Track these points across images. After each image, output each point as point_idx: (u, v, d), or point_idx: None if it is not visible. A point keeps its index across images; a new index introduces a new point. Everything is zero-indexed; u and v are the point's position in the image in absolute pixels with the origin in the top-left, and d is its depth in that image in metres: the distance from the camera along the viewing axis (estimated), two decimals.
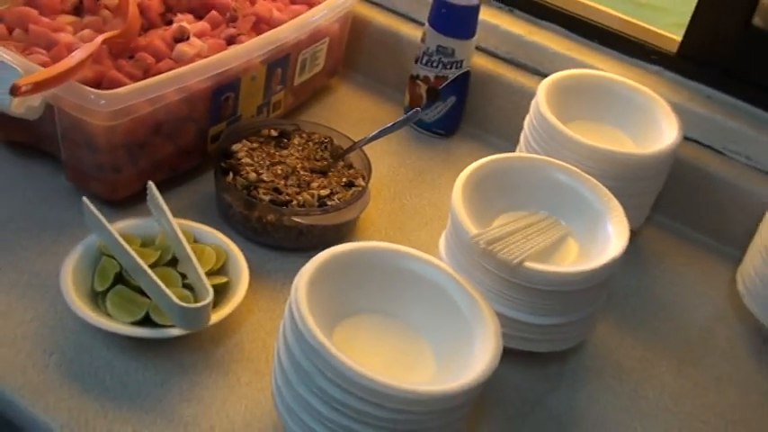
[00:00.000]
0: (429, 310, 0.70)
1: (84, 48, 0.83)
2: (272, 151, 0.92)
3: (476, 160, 0.83)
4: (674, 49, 1.06)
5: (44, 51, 0.86)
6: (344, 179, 0.91)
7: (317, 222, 0.86)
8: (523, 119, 0.97)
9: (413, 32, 1.11)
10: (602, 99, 0.98)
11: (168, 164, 0.90)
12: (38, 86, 0.77)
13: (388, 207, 0.97)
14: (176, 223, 0.79)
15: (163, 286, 0.72)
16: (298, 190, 0.87)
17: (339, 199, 0.88)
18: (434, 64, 1.04)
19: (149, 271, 0.73)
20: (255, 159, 0.90)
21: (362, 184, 0.90)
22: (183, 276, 0.77)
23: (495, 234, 0.75)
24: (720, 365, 0.88)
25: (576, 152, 0.89)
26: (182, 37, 0.91)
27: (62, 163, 0.88)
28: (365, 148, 0.93)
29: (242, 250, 0.81)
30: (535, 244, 0.77)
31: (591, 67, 1.04)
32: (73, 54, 0.82)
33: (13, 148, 0.92)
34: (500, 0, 1.13)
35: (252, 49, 0.91)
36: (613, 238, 0.78)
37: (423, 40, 1.05)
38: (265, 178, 0.87)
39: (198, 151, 0.93)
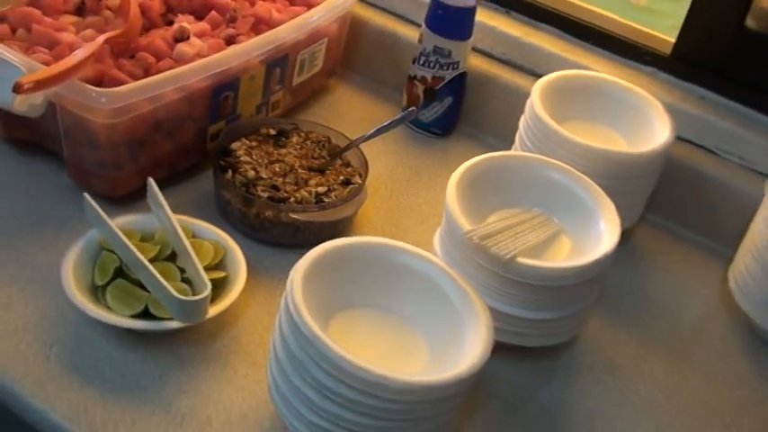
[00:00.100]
0: (422, 304, 0.71)
1: (85, 47, 0.84)
2: (271, 150, 0.93)
3: None
4: (668, 50, 1.07)
5: (47, 50, 0.87)
6: (342, 177, 0.92)
7: (314, 219, 0.87)
8: (519, 119, 0.98)
9: (410, 33, 1.13)
10: (596, 99, 0.99)
11: (168, 161, 0.92)
12: (40, 84, 0.79)
13: (384, 205, 0.99)
14: (175, 219, 0.80)
15: (162, 280, 0.74)
16: (295, 187, 0.89)
17: (336, 196, 0.89)
18: (431, 65, 1.06)
19: (149, 265, 0.75)
20: (254, 157, 0.91)
21: (359, 181, 0.92)
22: (182, 271, 0.79)
23: (488, 230, 0.76)
24: (711, 362, 0.89)
25: (570, 151, 0.90)
26: (182, 37, 0.93)
27: (64, 160, 0.89)
28: (363, 146, 0.95)
29: (240, 246, 0.83)
30: (528, 240, 0.78)
31: (586, 68, 1.06)
32: (75, 53, 0.83)
33: (17, 145, 0.94)
34: (497, 2, 1.14)
35: (251, 48, 0.93)
36: (605, 234, 0.79)
37: (420, 40, 1.06)
38: (264, 176, 0.89)
39: (197, 149, 0.94)
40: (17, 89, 0.77)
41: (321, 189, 0.89)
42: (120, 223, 0.80)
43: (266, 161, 0.91)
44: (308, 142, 0.96)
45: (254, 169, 0.89)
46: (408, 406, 0.62)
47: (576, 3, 1.14)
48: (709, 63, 1.04)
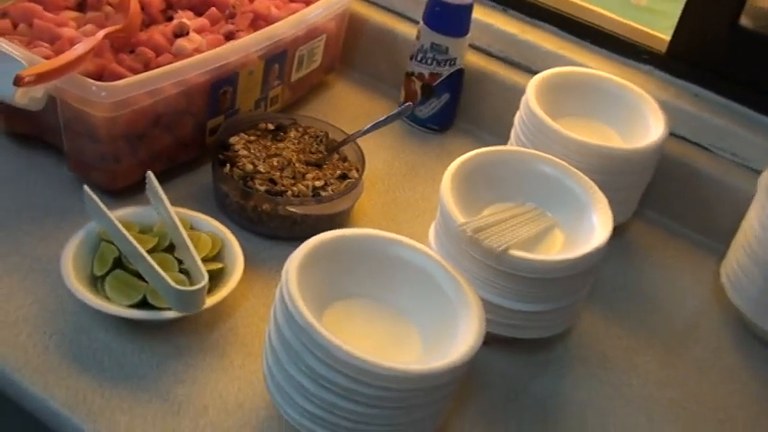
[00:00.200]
0: (416, 295, 0.72)
1: (86, 41, 0.85)
2: (269, 144, 0.94)
3: None
4: (663, 48, 1.08)
5: (48, 45, 0.89)
6: (339, 171, 0.93)
7: (311, 212, 0.88)
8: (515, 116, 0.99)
9: (408, 30, 1.14)
10: (591, 96, 1.00)
11: (167, 155, 0.93)
12: (40, 78, 0.80)
13: (381, 199, 1.00)
14: (174, 211, 0.81)
15: (160, 270, 0.75)
16: (293, 181, 0.90)
17: (333, 190, 0.90)
18: (429, 61, 1.07)
19: (147, 256, 0.76)
20: (252, 151, 0.92)
21: (356, 175, 0.93)
22: (180, 262, 0.80)
23: (481, 223, 0.77)
24: (704, 356, 0.90)
25: (565, 147, 0.91)
26: (181, 32, 0.94)
27: (64, 153, 0.90)
28: (361, 142, 0.96)
29: (238, 239, 0.84)
30: (521, 233, 0.79)
31: (583, 65, 1.06)
32: (75, 47, 0.84)
33: (18, 139, 0.95)
34: None
35: (249, 44, 0.94)
36: (597, 228, 0.80)
37: (417, 37, 1.07)
38: (261, 169, 0.90)
39: (196, 143, 0.96)
40: (18, 82, 0.78)
41: (318, 183, 0.90)
42: (119, 215, 0.81)
43: (264, 155, 0.92)
44: (306, 137, 0.97)
45: (252, 163, 0.90)
46: (402, 394, 0.63)
47: (573, 1, 1.14)
48: (703, 61, 1.05)
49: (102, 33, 0.88)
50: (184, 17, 0.97)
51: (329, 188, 0.90)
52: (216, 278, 0.79)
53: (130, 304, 0.76)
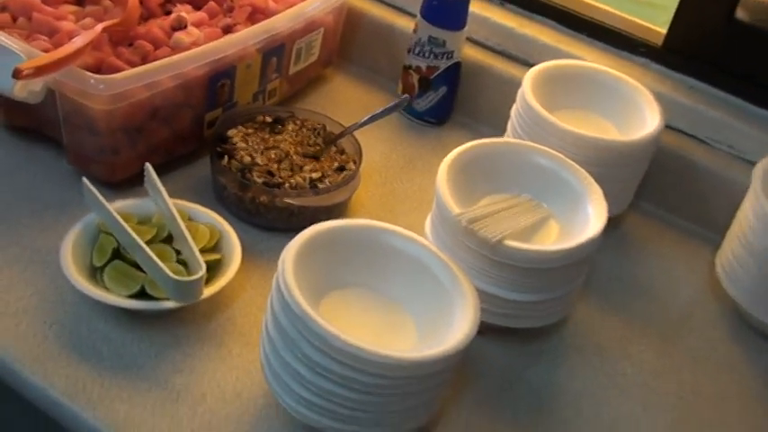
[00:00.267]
0: (412, 285, 0.73)
1: (84, 34, 0.86)
2: (267, 136, 0.95)
3: None
4: (660, 41, 1.09)
5: (46, 38, 0.89)
6: (336, 163, 0.94)
7: (309, 204, 0.89)
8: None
9: (406, 24, 1.14)
10: (587, 88, 1.01)
11: (165, 147, 0.93)
12: (39, 71, 0.81)
13: (378, 191, 1.00)
14: (172, 203, 0.82)
15: (158, 261, 0.75)
16: (290, 173, 0.90)
17: (330, 182, 0.91)
18: (426, 54, 1.07)
19: (145, 246, 0.77)
20: (250, 144, 0.93)
21: (353, 168, 0.93)
22: (178, 253, 0.80)
23: (477, 213, 0.78)
24: (699, 346, 0.91)
25: (561, 139, 0.91)
26: (179, 26, 0.94)
27: (63, 146, 0.91)
28: (358, 135, 0.96)
29: (235, 230, 0.84)
30: (516, 224, 0.80)
31: (580, 58, 1.07)
32: (73, 40, 0.85)
33: (17, 132, 0.95)
34: None
35: (247, 37, 0.94)
36: (592, 219, 0.81)
37: (415, 30, 1.08)
38: (259, 162, 0.91)
39: (194, 136, 0.96)
40: (17, 75, 0.79)
41: (315, 175, 0.91)
42: (117, 207, 0.81)
43: (262, 147, 0.93)
44: (304, 129, 0.97)
45: (250, 155, 0.91)
46: (397, 381, 0.64)
47: None
48: (699, 54, 1.05)
49: (100, 27, 0.88)
50: (182, 11, 0.98)
51: (326, 180, 0.91)
52: (214, 269, 0.80)
53: (129, 294, 0.76)
